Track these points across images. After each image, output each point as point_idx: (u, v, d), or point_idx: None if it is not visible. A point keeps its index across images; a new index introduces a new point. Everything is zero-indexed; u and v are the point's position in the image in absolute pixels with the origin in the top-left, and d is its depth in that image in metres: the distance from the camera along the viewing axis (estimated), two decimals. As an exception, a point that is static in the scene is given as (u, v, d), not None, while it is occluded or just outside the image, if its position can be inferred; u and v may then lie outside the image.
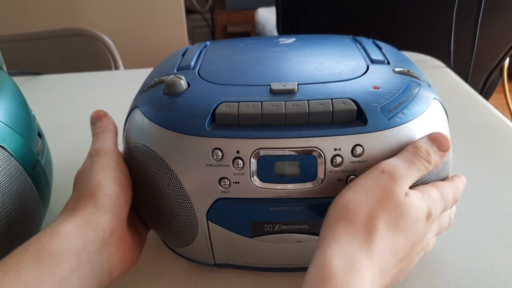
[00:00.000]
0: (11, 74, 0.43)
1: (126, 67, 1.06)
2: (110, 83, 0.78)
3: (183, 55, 0.43)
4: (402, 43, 0.88)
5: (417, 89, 0.34)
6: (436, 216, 0.30)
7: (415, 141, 0.31)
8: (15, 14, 1.37)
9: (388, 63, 0.39)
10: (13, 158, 0.34)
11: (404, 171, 0.29)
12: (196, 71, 0.38)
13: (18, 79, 0.79)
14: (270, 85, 0.34)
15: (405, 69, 0.37)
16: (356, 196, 0.28)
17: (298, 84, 0.34)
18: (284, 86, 0.33)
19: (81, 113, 0.64)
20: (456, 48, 0.77)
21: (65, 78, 0.81)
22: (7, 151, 0.34)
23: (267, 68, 0.39)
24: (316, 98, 0.32)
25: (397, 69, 0.37)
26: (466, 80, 0.73)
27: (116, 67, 1.04)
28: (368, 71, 0.37)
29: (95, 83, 0.78)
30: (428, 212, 0.29)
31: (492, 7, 0.85)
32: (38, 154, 0.39)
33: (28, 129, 0.38)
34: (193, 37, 2.35)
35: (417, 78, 0.36)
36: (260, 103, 0.32)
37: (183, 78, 0.36)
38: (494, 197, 0.44)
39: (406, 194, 0.29)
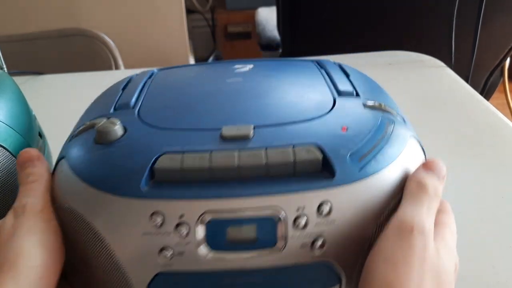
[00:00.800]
0: (12, 74, 0.43)
1: (127, 67, 1.06)
2: (111, 83, 0.78)
3: (124, 88, 0.37)
4: (402, 43, 0.88)
5: (391, 128, 0.30)
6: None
7: (415, 175, 0.28)
8: (15, 14, 1.37)
9: (357, 94, 0.34)
10: (14, 158, 0.34)
11: (428, 221, 0.26)
12: (136, 111, 0.32)
13: (18, 79, 0.79)
14: (221, 129, 0.28)
15: (377, 103, 0.33)
16: (398, 273, 0.24)
17: (254, 127, 0.28)
18: (237, 130, 0.28)
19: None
20: (456, 48, 0.77)
21: (66, 78, 0.81)
22: (8, 151, 0.34)
23: (219, 107, 0.33)
24: (275, 145, 0.27)
25: (368, 103, 0.32)
26: (466, 80, 0.73)
27: (117, 67, 1.04)
28: (335, 106, 0.32)
29: (95, 83, 0.78)
30: (455, 264, 0.27)
31: (493, 6, 0.85)
32: (38, 154, 0.39)
33: (29, 129, 0.38)
34: (194, 37, 2.35)
35: (390, 113, 0.32)
36: (208, 153, 0.26)
37: (118, 122, 0.29)
38: (494, 197, 0.44)
39: (437, 251, 0.26)
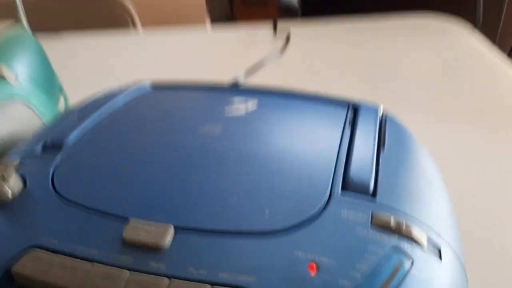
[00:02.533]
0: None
1: (144, 25, 1.05)
2: (128, 45, 0.78)
3: (81, 115, 0.29)
4: (427, 4, 0.85)
5: (404, 270, 0.18)
6: None
7: None
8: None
9: (374, 194, 0.21)
10: (36, 115, 0.35)
11: None
12: (56, 161, 0.24)
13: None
14: (128, 223, 0.19)
15: (395, 220, 0.19)
16: None
17: (175, 229, 0.19)
18: (146, 234, 0.19)
19: (100, 74, 0.65)
20: (483, 13, 0.74)
21: (85, 38, 0.81)
22: (31, 108, 0.34)
23: (154, 177, 0.22)
24: (189, 277, 0.17)
25: (381, 216, 0.19)
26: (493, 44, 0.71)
27: (134, 25, 1.03)
28: (323, 214, 0.19)
29: (113, 44, 0.78)
30: None
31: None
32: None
33: (50, 86, 0.39)
34: (210, 2, 2.30)
35: (415, 241, 0.19)
36: (89, 264, 0.18)
37: (13, 179, 0.22)
38: (495, 197, 0.43)
39: None
